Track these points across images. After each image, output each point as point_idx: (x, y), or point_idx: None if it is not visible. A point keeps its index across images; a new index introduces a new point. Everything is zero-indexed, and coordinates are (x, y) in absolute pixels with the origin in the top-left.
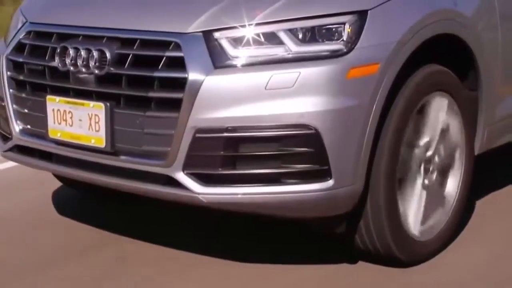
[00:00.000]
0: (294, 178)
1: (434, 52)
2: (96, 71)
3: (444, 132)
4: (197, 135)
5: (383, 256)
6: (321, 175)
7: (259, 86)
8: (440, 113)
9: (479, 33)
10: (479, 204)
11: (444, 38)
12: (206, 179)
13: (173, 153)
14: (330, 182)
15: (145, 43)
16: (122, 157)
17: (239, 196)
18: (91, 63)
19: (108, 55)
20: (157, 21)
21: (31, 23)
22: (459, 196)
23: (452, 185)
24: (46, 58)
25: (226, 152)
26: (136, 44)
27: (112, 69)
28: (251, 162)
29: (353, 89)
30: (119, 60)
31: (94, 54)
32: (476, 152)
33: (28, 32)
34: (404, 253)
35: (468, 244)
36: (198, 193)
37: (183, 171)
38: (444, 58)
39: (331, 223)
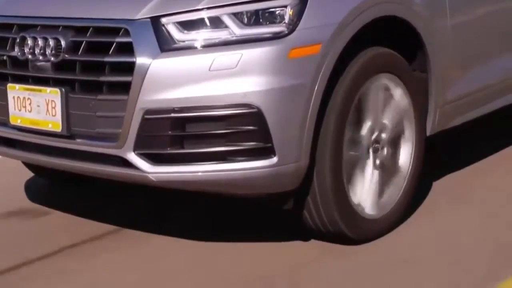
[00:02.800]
0: (240, 155)
1: (383, 35)
2: (52, 59)
3: (392, 113)
4: (146, 116)
5: (332, 233)
6: (265, 152)
7: (203, 68)
8: (387, 94)
9: (427, 17)
10: (434, 183)
11: (392, 21)
12: (156, 159)
13: (124, 135)
14: (274, 159)
15: (98, 30)
16: (78, 140)
17: (188, 174)
18: (48, 51)
19: (63, 42)
20: (109, 9)
21: None
22: (410, 175)
23: (404, 164)
24: (7, 48)
25: (174, 132)
26: (89, 32)
27: (67, 56)
28: (198, 141)
29: (295, 69)
30: (74, 47)
31: (50, 42)
32: (428, 133)
33: None
34: (354, 230)
35: (421, 222)
36: (149, 173)
37: (134, 151)
38: (394, 40)
39: (279, 200)
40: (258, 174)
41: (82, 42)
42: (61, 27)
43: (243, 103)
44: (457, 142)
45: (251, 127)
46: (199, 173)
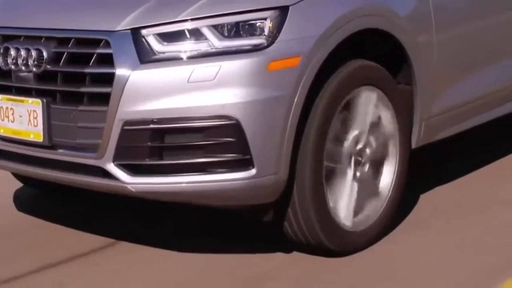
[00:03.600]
0: (219, 167)
1: (367, 48)
2: (34, 69)
3: (375, 125)
4: (125, 127)
5: (313, 245)
6: (243, 164)
7: (181, 80)
8: (369, 107)
9: (412, 30)
10: (421, 196)
11: (375, 34)
12: (135, 170)
13: (103, 145)
14: (253, 171)
15: (79, 42)
16: (59, 151)
17: (167, 185)
18: (30, 62)
19: (45, 53)
20: (90, 20)
21: None
22: (393, 188)
23: (387, 177)
24: None
25: (153, 143)
26: (71, 43)
27: (48, 66)
28: (177, 153)
29: (274, 81)
30: (55, 58)
31: (33, 53)
32: (414, 145)
33: None
34: (335, 243)
35: (403, 234)
36: (128, 183)
37: (113, 162)
38: (379, 53)
39: (258, 212)
40: (236, 185)
41: (63, 53)
42: (43, 38)
43: (221, 115)
44: (443, 153)
45: (229, 139)
46: (178, 184)
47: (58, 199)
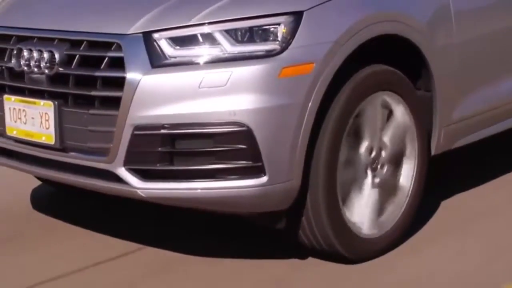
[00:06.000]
0: (229, 174)
1: (386, 54)
2: (47, 71)
3: (393, 131)
4: (136, 132)
5: (328, 253)
6: (255, 171)
7: (193, 85)
8: (387, 112)
9: (432, 35)
10: (440, 206)
11: (394, 40)
12: (145, 175)
13: (114, 150)
14: (264, 179)
15: (91, 44)
16: (70, 153)
17: (177, 191)
18: (42, 64)
19: (57, 56)
20: (103, 23)
21: None
22: (411, 194)
23: (405, 183)
24: (5, 59)
25: (163, 149)
26: (83, 45)
27: (60, 69)
28: (188, 158)
29: (285, 88)
30: (67, 60)
31: (45, 55)
32: (433, 152)
33: None
34: (350, 250)
35: (420, 244)
36: (138, 188)
37: (123, 166)
38: (397, 59)
39: (271, 219)
40: (247, 193)
41: (75, 55)
42: (56, 40)
43: (233, 121)
44: (467, 159)
45: (240, 146)
46: (189, 190)
47: (73, 199)
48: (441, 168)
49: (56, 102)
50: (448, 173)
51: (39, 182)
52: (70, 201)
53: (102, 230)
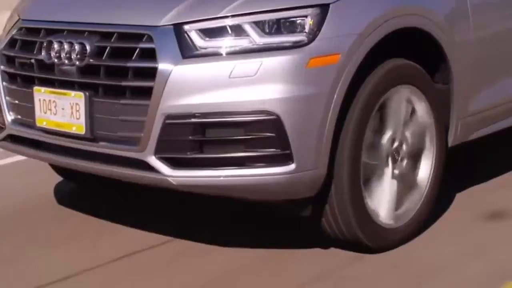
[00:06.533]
0: (258, 161)
1: (406, 46)
2: (77, 63)
3: (413, 124)
4: (167, 121)
5: (350, 241)
6: (283, 159)
7: (223, 75)
8: (408, 106)
9: (450, 29)
10: (457, 195)
11: (415, 33)
12: (175, 163)
13: (145, 139)
14: (292, 166)
15: (122, 36)
16: (101, 143)
17: (207, 179)
18: (73, 55)
19: (88, 47)
20: (133, 15)
21: (22, 20)
22: (430, 185)
23: (423, 175)
24: (35, 51)
25: (194, 137)
26: (114, 37)
27: (91, 60)
28: (218, 147)
29: (313, 78)
30: (98, 52)
31: (76, 47)
32: (450, 144)
33: (20, 28)
34: (371, 239)
35: (438, 235)
36: (168, 176)
37: (154, 155)
38: (417, 51)
39: (297, 207)
40: (276, 180)
41: (106, 47)
42: (86, 32)
43: (262, 110)
44: (479, 154)
45: (269, 134)
46: (218, 178)
47: (94, 194)
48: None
49: (87, 93)
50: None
51: (60, 179)
52: (94, 195)
53: (128, 224)
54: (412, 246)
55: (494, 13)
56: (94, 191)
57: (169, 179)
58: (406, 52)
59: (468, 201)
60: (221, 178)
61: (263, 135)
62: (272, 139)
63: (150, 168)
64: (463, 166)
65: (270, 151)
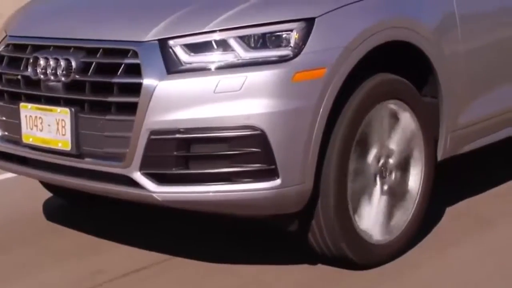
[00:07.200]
0: (244, 177)
1: (393, 60)
2: (63, 79)
3: (400, 138)
4: (152, 136)
5: (337, 258)
6: (268, 174)
7: (208, 90)
8: (394, 120)
9: (438, 42)
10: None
11: (401, 46)
12: (161, 179)
13: (130, 154)
14: (278, 181)
15: (107, 52)
16: (87, 159)
17: (192, 194)
18: (59, 71)
19: (73, 63)
20: (118, 31)
21: (9, 36)
22: (419, 200)
23: (412, 189)
24: (21, 68)
25: (179, 153)
26: (99, 53)
27: (77, 76)
28: (203, 162)
29: (299, 92)
30: (84, 68)
31: (62, 63)
32: (439, 157)
33: (7, 45)
34: (359, 255)
35: (426, 248)
36: (153, 192)
37: (139, 171)
38: (405, 65)
39: (283, 222)
40: (261, 195)
41: (92, 63)
42: (72, 48)
43: (247, 125)
44: (472, 165)
45: (254, 149)
46: (204, 194)
47: (85, 210)
48: (445, 174)
49: (72, 109)
50: (453, 179)
51: (50, 195)
52: (86, 212)
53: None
54: (402, 260)
55: (483, 25)
56: (85, 208)
57: (154, 195)
58: (394, 65)
59: (460, 211)
60: (207, 194)
61: (248, 150)
62: (257, 154)
63: (135, 184)
64: (455, 176)
65: (256, 166)
